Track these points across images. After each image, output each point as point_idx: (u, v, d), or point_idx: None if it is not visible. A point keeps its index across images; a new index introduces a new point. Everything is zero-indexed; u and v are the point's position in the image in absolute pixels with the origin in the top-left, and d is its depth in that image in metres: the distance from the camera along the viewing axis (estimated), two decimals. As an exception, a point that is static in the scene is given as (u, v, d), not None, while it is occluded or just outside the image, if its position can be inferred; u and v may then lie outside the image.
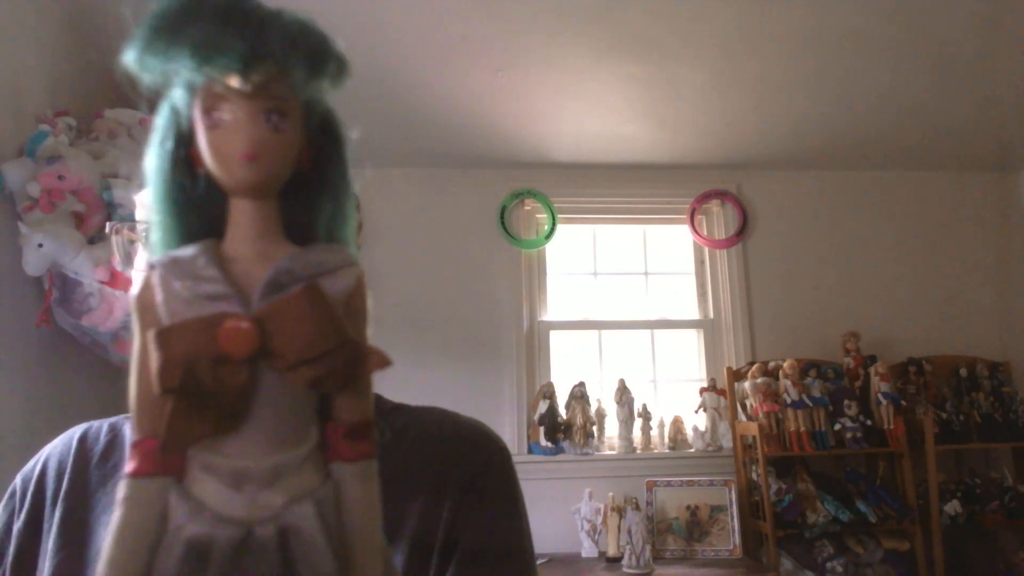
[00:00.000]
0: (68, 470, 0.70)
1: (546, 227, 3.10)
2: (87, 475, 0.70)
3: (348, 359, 0.32)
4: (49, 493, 0.70)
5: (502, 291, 3.03)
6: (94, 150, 1.80)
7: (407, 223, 3.05)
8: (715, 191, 3.17)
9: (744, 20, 2.22)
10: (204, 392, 0.30)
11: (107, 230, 0.74)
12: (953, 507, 2.66)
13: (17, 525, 0.70)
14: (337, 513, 0.32)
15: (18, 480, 0.73)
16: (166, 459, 0.31)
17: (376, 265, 2.90)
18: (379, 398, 0.75)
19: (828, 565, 2.53)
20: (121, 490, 0.31)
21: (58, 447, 0.74)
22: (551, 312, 3.12)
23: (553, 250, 3.18)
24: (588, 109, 2.70)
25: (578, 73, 2.47)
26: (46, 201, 1.67)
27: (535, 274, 3.12)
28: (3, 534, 0.70)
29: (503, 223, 3.06)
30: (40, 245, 1.64)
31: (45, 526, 0.68)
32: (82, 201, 1.72)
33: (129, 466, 0.31)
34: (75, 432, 0.74)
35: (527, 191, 3.09)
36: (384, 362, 0.33)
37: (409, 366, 2.82)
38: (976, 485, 2.75)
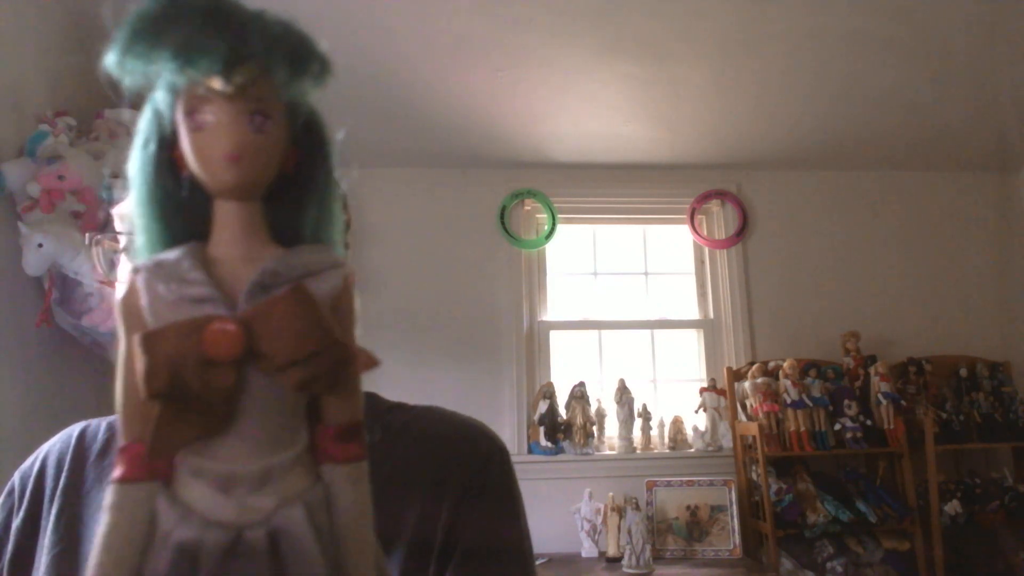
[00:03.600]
0: (66, 467, 0.71)
1: (546, 227, 3.10)
2: (84, 472, 0.70)
3: (336, 360, 0.32)
4: (47, 490, 0.70)
5: (502, 291, 3.03)
6: (94, 150, 1.81)
7: (407, 223, 3.05)
8: (715, 191, 3.17)
9: (744, 20, 2.22)
10: (191, 396, 0.30)
11: (87, 241, 0.74)
12: (953, 507, 2.66)
13: (16, 522, 0.70)
14: (328, 515, 0.32)
15: (16, 477, 0.73)
16: (153, 464, 0.31)
17: (376, 265, 2.90)
18: (377, 397, 0.75)
19: (828, 565, 2.53)
20: (108, 496, 0.31)
21: (57, 444, 0.74)
22: (551, 312, 3.12)
23: (553, 250, 3.18)
24: (588, 109, 2.70)
25: (578, 73, 2.47)
26: (46, 201, 1.67)
27: (535, 274, 3.12)
28: (2, 531, 0.70)
29: (503, 223, 3.06)
30: (40, 245, 1.64)
31: (43, 523, 0.69)
32: (82, 201, 1.72)
33: (116, 472, 0.31)
34: (74, 430, 0.75)
35: (527, 191, 3.09)
36: (372, 362, 0.33)
37: (409, 366, 2.82)
38: (976, 485, 2.75)
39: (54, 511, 0.68)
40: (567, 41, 2.29)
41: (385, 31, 2.20)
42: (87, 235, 0.75)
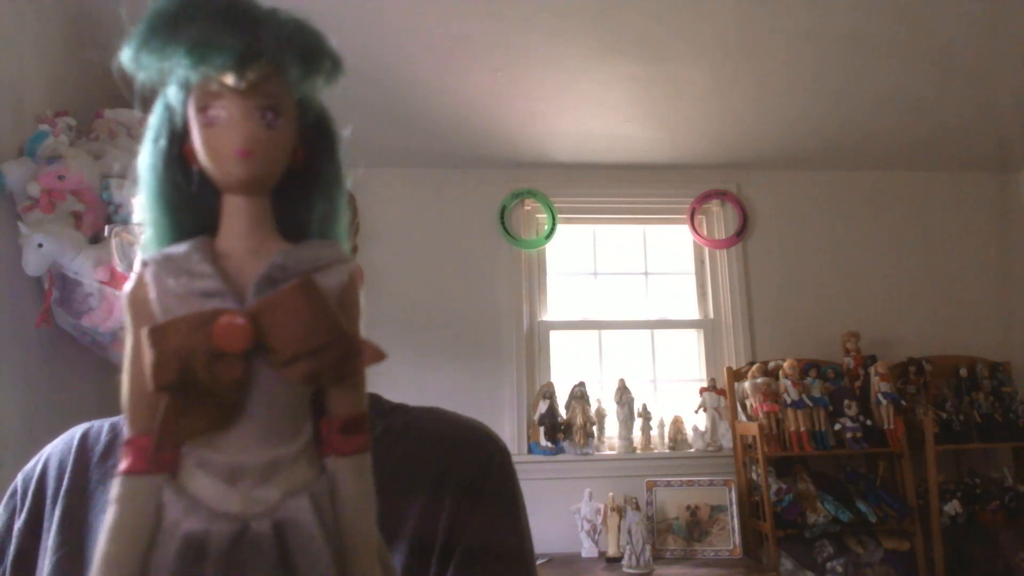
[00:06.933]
0: (68, 469, 0.71)
1: (546, 227, 3.10)
2: (87, 474, 0.70)
3: (343, 353, 0.32)
4: (50, 492, 0.70)
5: (502, 291, 3.03)
6: (94, 150, 1.80)
7: (407, 223, 3.05)
8: (715, 191, 3.17)
9: (744, 20, 2.22)
10: (199, 388, 0.30)
11: (106, 233, 0.74)
12: (953, 507, 2.66)
13: (18, 524, 0.70)
14: (332, 506, 0.32)
15: (19, 479, 0.73)
16: (160, 456, 0.31)
17: (376, 265, 2.90)
18: (378, 399, 0.75)
19: (828, 565, 2.53)
20: (115, 488, 0.31)
21: (59, 446, 0.74)
22: (551, 312, 3.12)
23: (553, 250, 3.18)
24: (588, 109, 2.70)
25: (578, 73, 2.47)
26: (46, 201, 1.67)
27: (535, 274, 3.12)
28: (4, 533, 0.70)
29: (503, 223, 3.06)
30: (40, 245, 1.64)
31: (45, 525, 0.68)
32: (82, 201, 1.72)
33: (123, 464, 0.31)
34: (76, 431, 0.74)
35: (527, 191, 3.09)
36: (378, 355, 0.33)
37: (409, 366, 2.82)
38: (976, 485, 2.75)
39: (57, 513, 0.68)
40: (567, 41, 2.29)
41: (385, 31, 2.20)
42: (107, 227, 0.75)
